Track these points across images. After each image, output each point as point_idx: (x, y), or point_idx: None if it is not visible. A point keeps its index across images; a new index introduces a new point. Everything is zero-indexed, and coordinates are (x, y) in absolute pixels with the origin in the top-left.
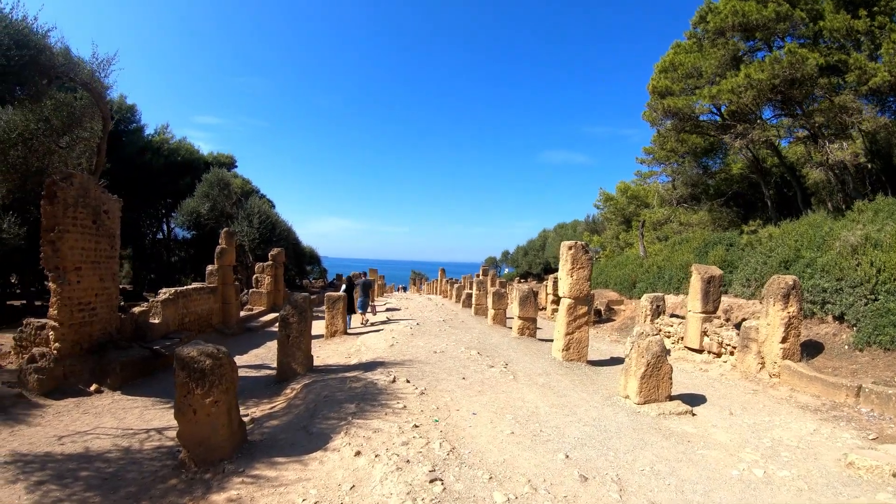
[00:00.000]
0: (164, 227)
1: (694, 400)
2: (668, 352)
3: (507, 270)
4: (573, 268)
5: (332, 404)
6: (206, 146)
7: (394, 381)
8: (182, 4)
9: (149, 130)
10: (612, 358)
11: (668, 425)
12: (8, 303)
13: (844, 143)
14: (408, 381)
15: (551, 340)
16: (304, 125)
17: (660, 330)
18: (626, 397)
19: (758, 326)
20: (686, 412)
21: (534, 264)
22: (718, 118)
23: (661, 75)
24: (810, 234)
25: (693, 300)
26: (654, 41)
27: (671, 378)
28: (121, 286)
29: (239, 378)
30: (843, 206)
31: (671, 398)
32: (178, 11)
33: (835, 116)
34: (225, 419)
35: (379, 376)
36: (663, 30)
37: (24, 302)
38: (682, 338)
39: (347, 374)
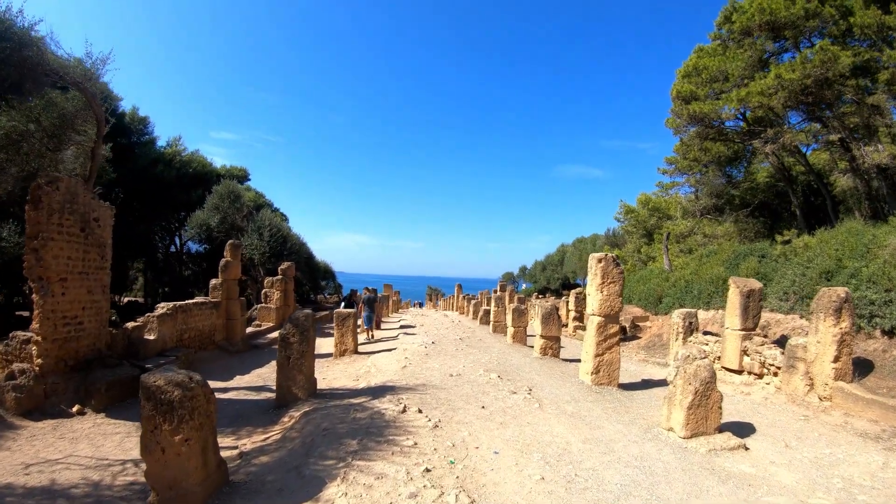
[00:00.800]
0: (178, 241)
1: (742, 430)
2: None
3: (524, 286)
4: (603, 282)
5: (332, 439)
6: (222, 161)
7: (404, 410)
8: (202, 21)
9: (161, 142)
10: (643, 380)
11: (721, 464)
12: (17, 313)
13: (880, 146)
14: (420, 411)
15: (576, 360)
16: (321, 141)
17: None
18: (670, 430)
19: (805, 344)
20: (739, 446)
21: (552, 279)
22: (743, 124)
23: (684, 80)
24: (851, 243)
25: (731, 316)
26: (671, 50)
27: (720, 407)
28: (133, 299)
29: (235, 402)
30: (869, 214)
31: (719, 429)
32: (198, 26)
33: (868, 118)
34: (198, 460)
35: (387, 405)
36: (682, 38)
37: (30, 313)
38: (719, 357)
39: (353, 401)
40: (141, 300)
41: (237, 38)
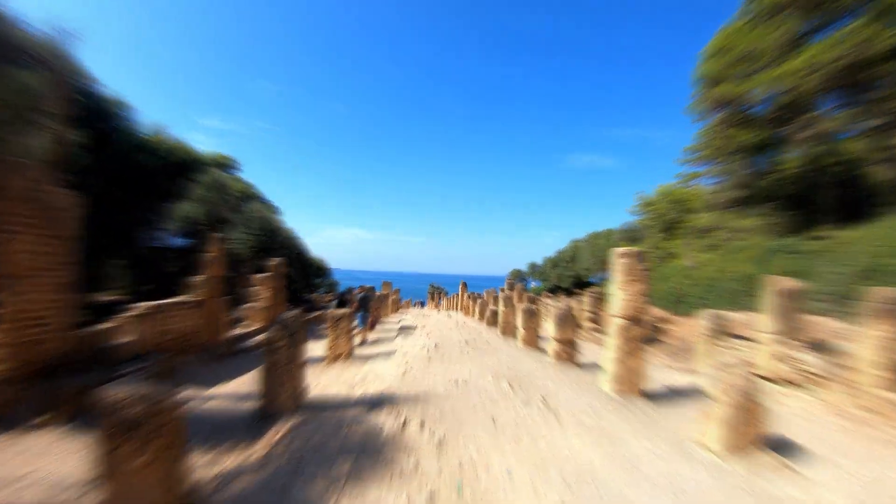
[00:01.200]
0: (162, 234)
1: (783, 446)
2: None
3: (532, 284)
4: (626, 281)
5: (322, 460)
6: (210, 150)
7: (404, 424)
8: (195, 7)
9: (145, 129)
10: (668, 388)
11: (763, 486)
12: None
13: None
14: (422, 425)
15: (592, 365)
16: (320, 132)
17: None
18: (703, 445)
19: (848, 350)
20: (780, 465)
21: (563, 277)
22: (770, 109)
23: (710, 60)
24: (892, 238)
25: (764, 318)
26: (684, 38)
27: (761, 420)
28: (114, 298)
29: (216, 413)
30: None
31: (759, 445)
32: (189, 8)
33: None
34: (165, 485)
35: (385, 417)
36: (695, 26)
37: None
38: (750, 363)
39: (347, 413)
40: (122, 298)
41: (232, 22)
